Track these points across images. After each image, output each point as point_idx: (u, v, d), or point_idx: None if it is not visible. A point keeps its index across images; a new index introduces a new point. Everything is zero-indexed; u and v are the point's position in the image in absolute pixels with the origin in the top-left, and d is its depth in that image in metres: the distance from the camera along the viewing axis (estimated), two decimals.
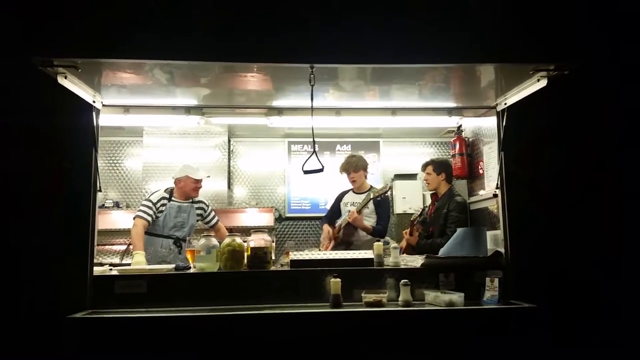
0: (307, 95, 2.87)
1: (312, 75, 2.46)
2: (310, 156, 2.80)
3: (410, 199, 6.00)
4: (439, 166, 4.18)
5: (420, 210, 4.11)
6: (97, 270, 3.16)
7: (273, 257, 5.13)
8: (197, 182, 4.33)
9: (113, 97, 3.27)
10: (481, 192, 3.87)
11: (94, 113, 3.12)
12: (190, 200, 4.41)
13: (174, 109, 3.38)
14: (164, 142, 5.85)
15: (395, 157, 6.54)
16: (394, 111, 3.51)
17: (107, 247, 5.41)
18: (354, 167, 4.53)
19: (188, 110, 3.39)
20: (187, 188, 4.30)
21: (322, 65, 2.40)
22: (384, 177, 6.37)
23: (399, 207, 5.99)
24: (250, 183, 6.40)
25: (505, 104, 3.25)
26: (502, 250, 3.26)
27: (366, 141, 6.46)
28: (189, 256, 3.40)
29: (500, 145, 3.33)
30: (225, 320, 2.69)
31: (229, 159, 6.24)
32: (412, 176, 6.20)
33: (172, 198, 4.32)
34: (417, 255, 3.35)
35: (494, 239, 3.52)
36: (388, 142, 6.54)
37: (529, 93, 2.95)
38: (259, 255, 3.12)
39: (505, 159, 3.28)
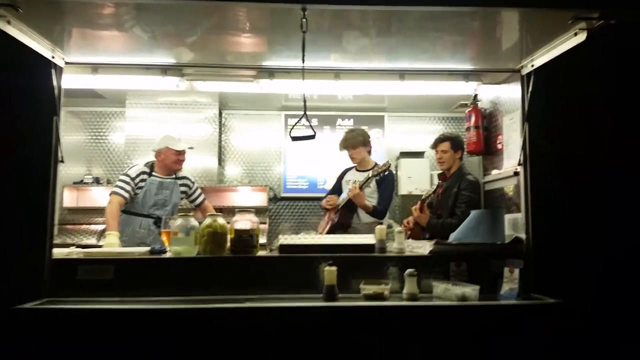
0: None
1: (304, 20, 2.07)
2: (300, 119, 2.44)
3: (417, 179, 5.67)
4: (456, 143, 3.84)
5: (434, 188, 3.76)
6: (59, 252, 2.85)
7: (265, 241, 4.93)
8: (179, 154, 4.00)
9: (78, 54, 2.88)
10: (495, 170, 3.52)
11: (53, 71, 2.74)
12: (174, 175, 4.07)
13: (148, 68, 3.00)
14: (148, 114, 5.52)
15: (401, 134, 6.22)
16: (402, 75, 3.13)
17: (84, 226, 5.09)
18: (352, 143, 4.19)
19: (164, 70, 3.01)
20: (168, 161, 3.98)
21: (317, 6, 2.01)
22: (389, 155, 6.02)
23: (404, 188, 5.65)
24: (242, 159, 6.08)
25: (533, 65, 2.86)
26: (523, 236, 2.92)
27: (370, 115, 6.10)
28: (164, 238, 3.06)
29: (524, 116, 2.96)
30: (202, 313, 2.37)
31: (220, 133, 5.90)
32: (419, 154, 5.86)
33: (153, 173, 4.00)
34: (424, 241, 3.01)
35: (513, 224, 3.18)
36: (393, 117, 6.20)
37: (562, 51, 2.56)
38: (244, 238, 2.78)
39: (530, 132, 2.91)
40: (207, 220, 2.82)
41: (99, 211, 5.26)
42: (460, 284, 2.58)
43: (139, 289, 2.63)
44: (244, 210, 2.86)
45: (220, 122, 5.86)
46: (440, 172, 4.14)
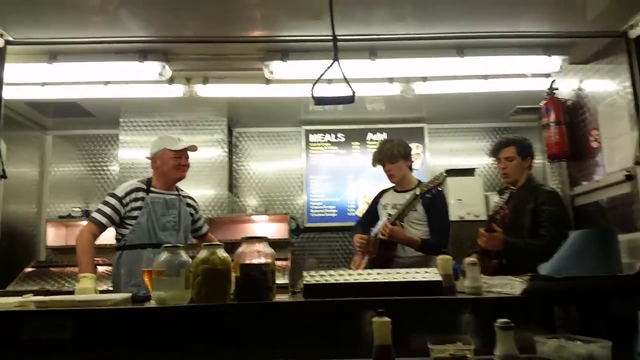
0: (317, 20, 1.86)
1: None
2: (329, 67, 1.71)
3: (469, 202, 4.93)
4: (524, 147, 3.11)
5: (506, 199, 2.96)
6: (5, 303, 2.16)
7: (287, 281, 4.21)
8: (180, 157, 3.25)
9: (27, 31, 2.25)
10: (590, 179, 2.77)
11: None
12: (177, 191, 3.36)
13: (122, 53, 2.37)
14: (145, 138, 4.93)
15: (445, 148, 5.56)
16: (460, 49, 2.43)
17: (69, 269, 4.44)
18: (389, 156, 3.43)
19: (143, 54, 2.37)
20: (167, 167, 3.23)
21: None
22: (431, 173, 5.29)
23: (453, 213, 4.85)
24: (258, 185, 5.49)
25: None
26: None
27: (406, 127, 5.43)
28: (146, 279, 2.36)
29: (637, 97, 2.22)
30: None
31: (231, 155, 5.29)
32: (468, 172, 5.13)
33: (152, 188, 3.26)
34: (507, 277, 2.23)
35: (629, 247, 2.40)
36: (435, 130, 5.52)
37: None
38: (254, 277, 2.07)
39: None
40: (203, 253, 2.11)
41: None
42: (577, 339, 1.80)
43: (108, 354, 1.93)
44: (253, 238, 2.15)
45: (230, 142, 5.27)
46: (502, 188, 3.38)
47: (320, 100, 1.75)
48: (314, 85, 1.71)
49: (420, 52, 2.48)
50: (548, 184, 3.17)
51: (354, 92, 1.71)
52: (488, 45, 2.47)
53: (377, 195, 3.75)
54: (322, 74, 1.67)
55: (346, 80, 1.69)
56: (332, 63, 1.60)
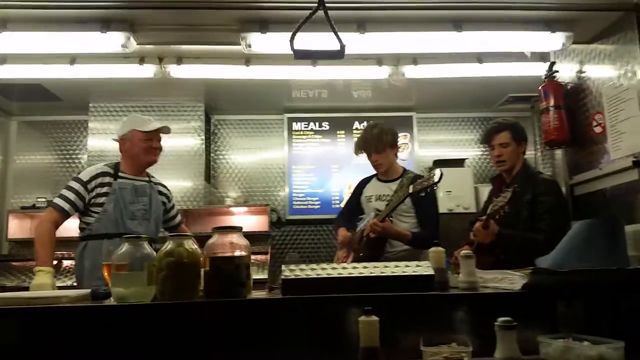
0: None
1: None
2: (313, 13, 1.50)
3: (458, 193, 4.79)
4: (519, 132, 2.96)
5: (505, 199, 2.74)
6: None
7: (266, 276, 4.02)
8: (150, 139, 3.03)
9: None
10: (596, 167, 2.63)
11: None
12: (147, 177, 3.15)
13: (81, 22, 2.15)
14: (116, 125, 4.68)
15: (435, 138, 5.44)
16: (457, 24, 2.27)
17: (30, 263, 4.21)
18: (377, 145, 3.27)
19: (106, 23, 2.15)
20: (136, 149, 3.01)
21: None
22: (419, 164, 5.14)
23: (442, 205, 4.70)
24: (237, 175, 5.29)
25: None
26: None
27: (394, 116, 5.26)
28: (105, 274, 2.16)
29: None
30: None
31: (208, 144, 5.09)
32: (458, 162, 5.00)
33: (120, 174, 3.03)
34: (504, 271, 2.08)
35: (635, 240, 2.26)
36: (424, 119, 5.38)
37: None
38: (225, 271, 1.90)
39: None
40: (168, 245, 1.92)
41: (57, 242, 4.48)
42: (584, 339, 1.65)
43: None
44: (225, 228, 1.96)
45: (208, 129, 5.07)
46: (494, 176, 3.23)
47: (302, 54, 1.55)
48: (293, 34, 1.52)
49: (413, 25, 2.31)
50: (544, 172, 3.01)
51: (343, 46, 1.52)
52: (487, 18, 2.32)
53: (359, 184, 3.59)
54: (305, 21, 1.47)
55: (334, 30, 1.50)
56: (317, 9, 1.40)
